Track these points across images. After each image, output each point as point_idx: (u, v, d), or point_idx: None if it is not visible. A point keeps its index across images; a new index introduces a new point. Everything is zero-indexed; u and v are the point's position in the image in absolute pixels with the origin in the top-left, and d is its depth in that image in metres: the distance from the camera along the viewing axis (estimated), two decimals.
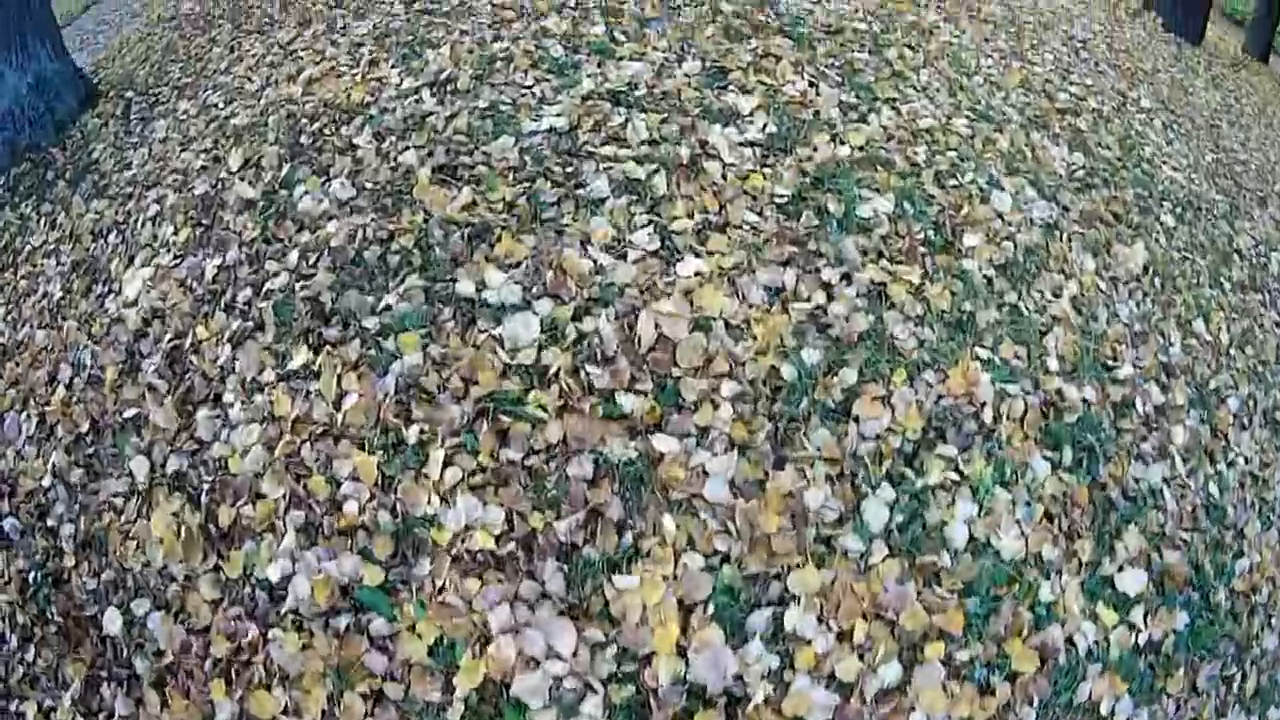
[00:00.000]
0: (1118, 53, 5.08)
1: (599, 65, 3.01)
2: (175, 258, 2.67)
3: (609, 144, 2.70)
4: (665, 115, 2.82)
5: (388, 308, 2.35)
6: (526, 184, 2.56)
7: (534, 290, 2.34)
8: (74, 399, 2.60)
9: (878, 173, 2.81)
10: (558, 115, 2.77)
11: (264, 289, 2.48)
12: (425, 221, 2.48)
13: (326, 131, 2.80)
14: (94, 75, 4.14)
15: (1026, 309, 2.68)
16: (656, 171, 2.61)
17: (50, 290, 2.89)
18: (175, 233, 2.74)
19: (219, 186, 2.80)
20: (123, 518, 2.35)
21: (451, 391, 2.21)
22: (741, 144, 2.77)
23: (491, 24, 3.24)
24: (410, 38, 3.19)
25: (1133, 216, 3.39)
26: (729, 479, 2.12)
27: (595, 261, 2.39)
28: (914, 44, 3.62)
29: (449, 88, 2.89)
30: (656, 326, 2.26)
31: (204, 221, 2.72)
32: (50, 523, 2.49)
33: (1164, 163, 3.94)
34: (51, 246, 3.06)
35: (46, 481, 2.52)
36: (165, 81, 3.65)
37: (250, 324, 2.45)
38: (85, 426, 2.54)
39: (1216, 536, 2.70)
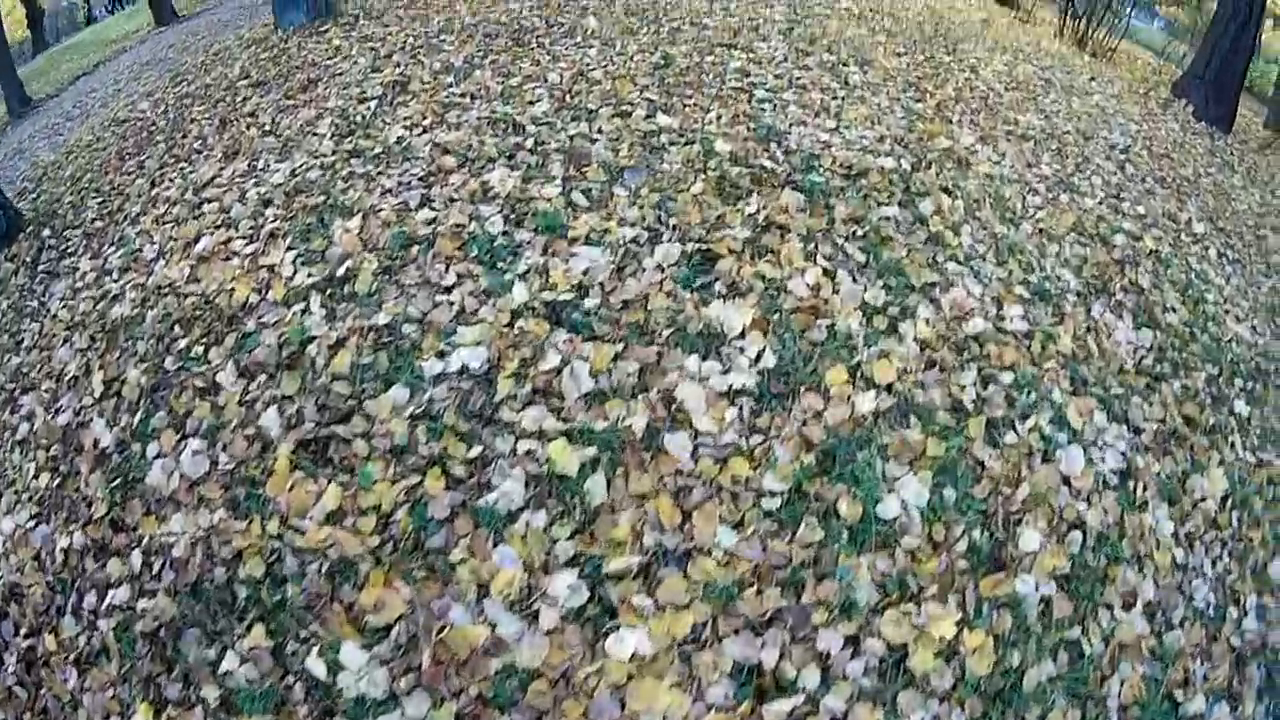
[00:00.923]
0: (1159, 158, 3.43)
1: (544, 251, 1.70)
2: (32, 517, 1.62)
3: (536, 401, 1.46)
4: (622, 345, 1.54)
5: (229, 673, 1.26)
6: (414, 479, 1.36)
7: (404, 681, 1.21)
8: None
9: (910, 430, 1.51)
10: (475, 344, 1.53)
11: (108, 599, 1.43)
12: (279, 539, 1.33)
13: (194, 353, 1.62)
14: (34, 188, 2.87)
15: (1091, 643, 1.45)
16: (596, 462, 1.38)
17: None
18: (35, 475, 1.67)
19: (80, 417, 1.68)
20: None
21: None
22: (723, 394, 1.49)
23: (425, 175, 1.91)
24: (324, 197, 1.89)
25: (1206, 417, 2.02)
26: None
27: (493, 628, 1.23)
28: (950, 184, 2.15)
29: (345, 288, 1.64)
30: None
31: (61, 469, 1.63)
32: None
33: (1227, 313, 2.47)
34: None
35: None
36: (80, 222, 2.43)
37: (96, 644, 1.41)
38: None
39: None
